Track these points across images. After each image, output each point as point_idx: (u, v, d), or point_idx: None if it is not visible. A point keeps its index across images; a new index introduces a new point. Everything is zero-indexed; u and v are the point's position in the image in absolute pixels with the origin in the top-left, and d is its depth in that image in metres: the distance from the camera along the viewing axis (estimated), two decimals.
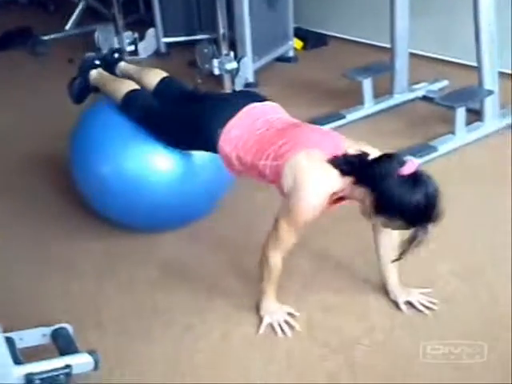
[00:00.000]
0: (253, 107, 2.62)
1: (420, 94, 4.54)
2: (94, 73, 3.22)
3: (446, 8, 4.97)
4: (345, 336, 2.46)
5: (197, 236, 3.11)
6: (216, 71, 4.67)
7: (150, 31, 5.86)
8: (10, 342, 2.18)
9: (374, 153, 2.36)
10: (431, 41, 5.17)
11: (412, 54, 4.55)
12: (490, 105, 3.99)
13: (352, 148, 2.36)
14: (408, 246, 2.27)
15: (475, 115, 4.02)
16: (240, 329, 2.56)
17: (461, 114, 3.84)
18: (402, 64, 4.42)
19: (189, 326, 2.59)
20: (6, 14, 7.06)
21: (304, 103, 4.48)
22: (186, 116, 2.71)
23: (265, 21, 5.04)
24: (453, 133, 3.88)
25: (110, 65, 3.26)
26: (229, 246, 3.07)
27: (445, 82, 4.68)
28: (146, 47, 5.83)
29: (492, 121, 4.02)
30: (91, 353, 2.22)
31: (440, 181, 3.31)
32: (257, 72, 5.03)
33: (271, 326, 2.52)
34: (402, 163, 2.19)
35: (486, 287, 2.71)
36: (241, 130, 2.53)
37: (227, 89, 4.68)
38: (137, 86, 2.95)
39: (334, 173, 2.28)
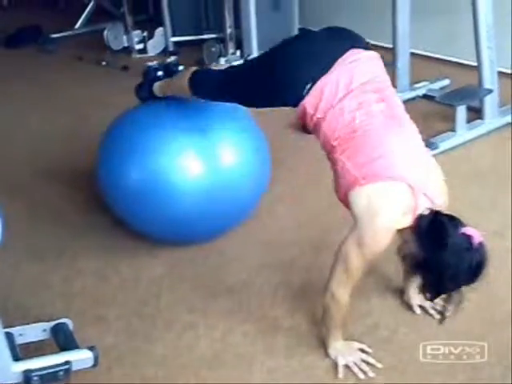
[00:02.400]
0: (353, 61, 2.22)
1: (421, 92, 4.62)
2: (157, 85, 2.94)
3: (447, 8, 5.04)
4: (347, 333, 2.41)
5: None
6: None
7: (159, 30, 5.94)
8: (9, 337, 2.17)
9: (438, 186, 2.25)
10: (433, 40, 5.25)
11: (414, 54, 4.65)
12: (490, 103, 4.08)
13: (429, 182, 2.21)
14: (446, 308, 2.21)
15: (475, 113, 4.11)
16: (241, 327, 2.55)
17: (461, 111, 3.93)
18: (403, 63, 4.51)
19: (191, 325, 2.58)
20: (16, 12, 7.18)
21: None
22: (272, 62, 2.31)
23: (270, 21, 5.15)
24: (453, 130, 3.97)
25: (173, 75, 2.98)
26: (232, 244, 3.06)
27: (446, 81, 4.77)
28: (154, 46, 5.92)
29: (492, 119, 4.11)
30: (91, 349, 2.20)
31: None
32: None
33: (347, 367, 2.31)
34: (471, 240, 2.05)
35: (487, 284, 2.72)
36: (333, 95, 2.19)
37: None
38: (196, 68, 2.71)
39: (410, 210, 2.13)
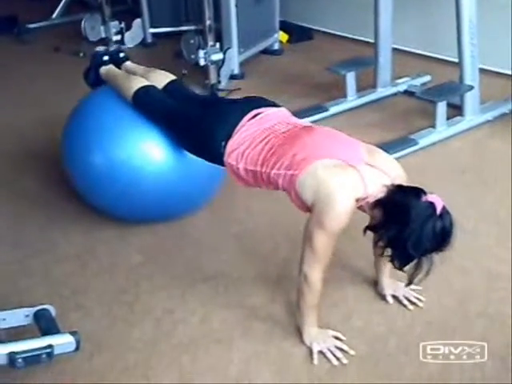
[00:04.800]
0: (257, 114, 2.56)
1: (402, 88, 4.61)
2: (103, 69, 3.22)
3: (430, 4, 5.04)
4: (322, 321, 2.45)
5: (178, 224, 3.14)
6: (202, 62, 4.68)
7: (137, 21, 5.89)
8: None
9: (387, 162, 2.34)
10: (415, 36, 5.24)
11: (396, 50, 4.63)
12: (470, 100, 4.06)
13: (366, 155, 2.32)
14: (414, 275, 2.20)
15: (456, 110, 4.10)
16: (219, 314, 2.59)
17: (441, 108, 3.92)
18: (385, 59, 4.49)
19: (169, 310, 2.62)
20: None
21: (288, 96, 4.51)
22: (192, 127, 2.67)
23: (251, 13, 5.09)
24: (433, 127, 3.95)
25: (115, 63, 3.26)
26: (208, 237, 3.09)
27: (427, 77, 4.75)
28: (132, 37, 5.86)
29: (472, 116, 4.10)
30: (73, 333, 2.24)
31: (419, 173, 3.42)
32: (242, 64, 5.08)
33: (322, 353, 2.37)
34: (434, 206, 2.11)
35: (461, 276, 2.76)
36: (246, 141, 2.47)
37: (212, 80, 4.72)
38: (147, 83, 2.92)
39: (356, 177, 2.23)
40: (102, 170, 2.88)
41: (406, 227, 2.11)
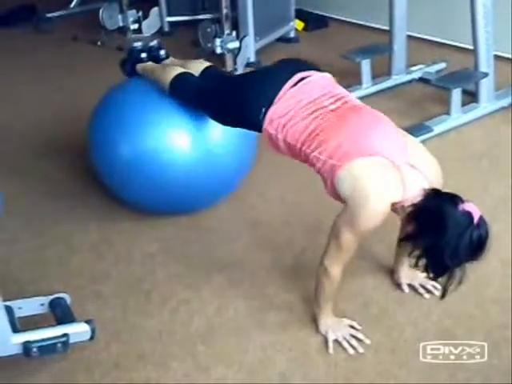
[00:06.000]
0: (301, 80, 2.43)
1: (417, 75, 4.60)
2: (140, 66, 3.13)
3: None
4: (339, 310, 2.47)
5: (194, 213, 3.15)
6: (218, 50, 4.73)
7: (154, 10, 5.92)
8: (8, 310, 2.22)
9: (428, 161, 2.28)
10: (429, 23, 5.23)
11: (411, 37, 4.63)
12: (485, 87, 4.06)
13: (411, 154, 2.24)
14: (448, 284, 2.15)
15: (471, 97, 4.10)
16: (234, 303, 2.60)
17: (456, 95, 3.92)
18: (400, 46, 4.48)
19: (185, 300, 2.63)
20: None
21: None
22: (231, 93, 2.57)
23: (267, 2, 5.10)
24: (448, 114, 3.95)
25: (155, 60, 3.17)
26: (224, 226, 3.12)
27: (442, 65, 4.74)
28: (149, 26, 5.90)
29: (487, 102, 4.09)
30: (88, 322, 2.25)
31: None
32: (258, 52, 5.09)
33: (337, 342, 2.38)
34: (472, 216, 2.06)
35: (477, 262, 2.73)
36: (289, 112, 2.37)
37: (229, 68, 4.75)
38: (184, 70, 2.87)
39: (397, 180, 2.16)
40: (127, 161, 2.88)
41: (442, 237, 2.05)
